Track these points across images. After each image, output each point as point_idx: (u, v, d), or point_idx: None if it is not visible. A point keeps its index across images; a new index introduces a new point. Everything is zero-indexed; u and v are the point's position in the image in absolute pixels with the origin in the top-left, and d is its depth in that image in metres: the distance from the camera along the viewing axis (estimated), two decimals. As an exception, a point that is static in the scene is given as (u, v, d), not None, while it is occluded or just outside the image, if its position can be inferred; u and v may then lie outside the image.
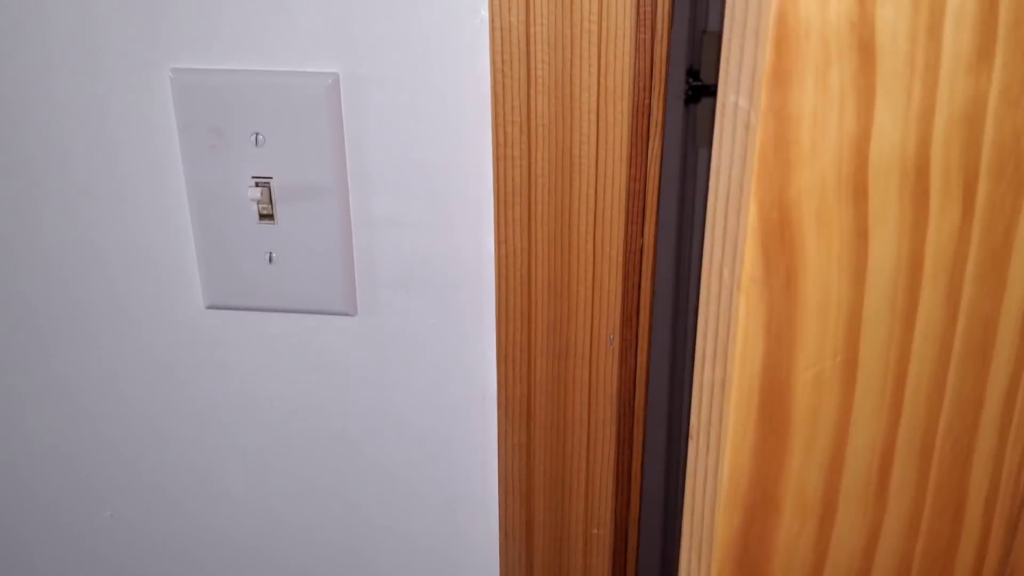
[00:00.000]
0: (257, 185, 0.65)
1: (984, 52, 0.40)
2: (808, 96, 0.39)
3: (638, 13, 0.59)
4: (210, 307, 0.70)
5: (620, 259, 0.65)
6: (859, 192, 0.41)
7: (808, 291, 0.43)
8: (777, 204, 0.40)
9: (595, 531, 0.75)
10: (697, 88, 1.38)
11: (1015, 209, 0.43)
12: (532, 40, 0.59)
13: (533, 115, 0.61)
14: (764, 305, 0.43)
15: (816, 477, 0.48)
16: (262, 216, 0.66)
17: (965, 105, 0.41)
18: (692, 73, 1.37)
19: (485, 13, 0.60)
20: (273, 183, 0.65)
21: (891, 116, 0.40)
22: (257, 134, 0.64)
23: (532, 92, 0.61)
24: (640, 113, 0.63)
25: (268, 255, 0.68)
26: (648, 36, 0.60)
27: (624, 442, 0.73)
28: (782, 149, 0.39)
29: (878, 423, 0.47)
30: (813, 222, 0.41)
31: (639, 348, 0.71)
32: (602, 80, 0.60)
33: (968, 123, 0.41)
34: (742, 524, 0.47)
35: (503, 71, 0.60)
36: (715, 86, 0.41)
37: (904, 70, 0.40)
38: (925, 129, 0.41)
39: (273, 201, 0.66)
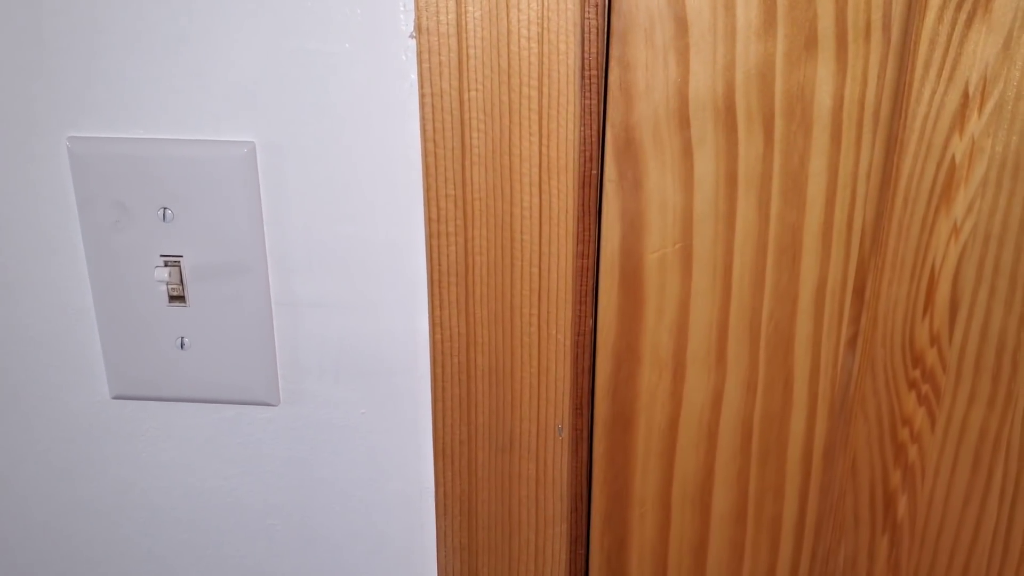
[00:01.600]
0: (166, 265, 0.59)
1: (768, 25, 0.54)
2: (640, 50, 0.55)
3: (583, 76, 0.54)
4: (117, 397, 0.63)
5: (568, 342, 0.59)
6: (683, 122, 0.56)
7: (651, 192, 0.58)
8: (624, 126, 0.56)
9: (547, 636, 0.68)
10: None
11: (806, 144, 0.56)
12: (466, 107, 0.54)
13: (469, 188, 0.56)
14: (619, 199, 0.58)
15: (667, 339, 0.62)
16: (172, 298, 0.60)
17: (758, 63, 0.55)
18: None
19: (414, 77, 0.54)
20: (184, 262, 0.59)
21: (702, 67, 0.55)
22: (165, 209, 0.58)
23: (467, 163, 0.55)
24: (588, 185, 0.57)
25: (180, 340, 0.61)
26: (594, 101, 0.55)
27: (577, 541, 0.67)
28: (624, 87, 0.55)
29: (713, 302, 0.61)
30: (650, 141, 0.57)
31: (594, 437, 0.65)
32: (544, 150, 0.55)
33: (761, 76, 0.55)
34: (613, 369, 0.63)
35: (435, 140, 0.55)
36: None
37: (709, 35, 0.54)
38: (729, 79, 0.55)
39: (184, 282, 0.59)
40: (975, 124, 0.56)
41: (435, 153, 0.55)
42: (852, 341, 0.61)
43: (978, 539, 0.67)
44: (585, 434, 0.64)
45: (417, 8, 0.52)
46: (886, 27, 0.54)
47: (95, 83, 0.56)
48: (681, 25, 0.54)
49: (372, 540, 0.67)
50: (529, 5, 0.52)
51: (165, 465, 0.66)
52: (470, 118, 0.54)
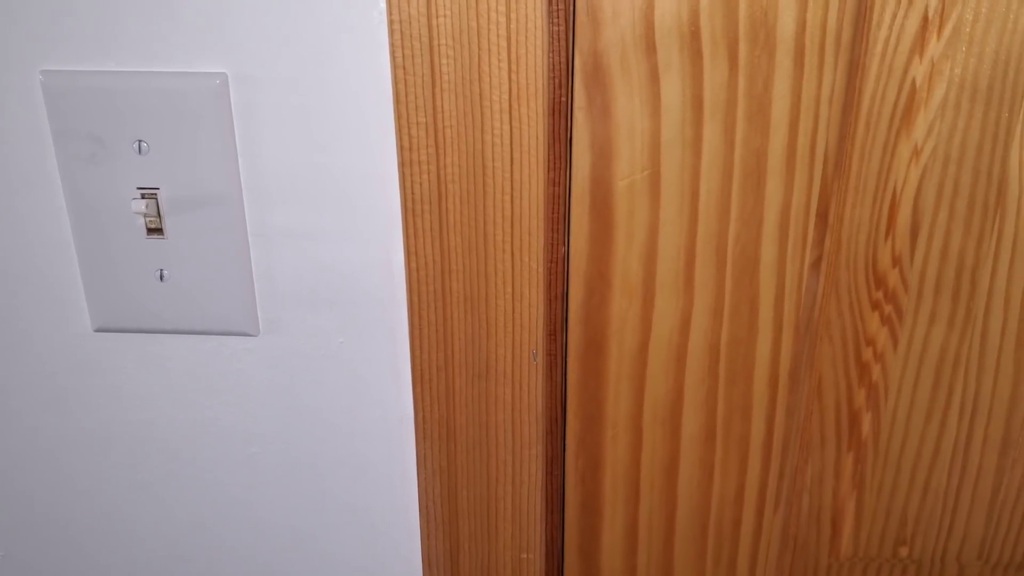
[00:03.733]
0: (143, 197, 0.60)
1: (730, -49, 0.55)
2: (606, -23, 0.55)
3: (550, 2, 0.55)
4: (99, 330, 0.64)
5: (541, 269, 0.61)
6: (649, 47, 0.57)
7: (619, 119, 0.59)
8: (592, 53, 0.57)
9: (525, 556, 0.70)
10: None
11: (770, 68, 0.58)
12: (435, 33, 0.55)
13: (439, 115, 0.57)
14: (588, 127, 0.59)
15: (636, 265, 0.63)
16: (150, 230, 0.61)
17: (722, -14, 0.56)
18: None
19: (384, 5, 0.55)
20: (160, 194, 0.60)
21: (667, -7, 0.56)
22: (140, 141, 0.58)
23: (437, 90, 0.56)
24: (557, 112, 0.58)
25: (159, 272, 0.62)
26: (563, 28, 0.56)
27: (552, 462, 0.69)
28: (592, 13, 0.56)
29: (680, 228, 0.62)
30: (618, 68, 0.57)
31: (568, 363, 0.66)
32: (513, 76, 0.56)
33: (725, 1, 0.56)
34: (585, 296, 0.64)
35: (404, 67, 0.55)
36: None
37: (671, -40, 0.55)
38: (694, 4, 0.56)
39: (161, 214, 0.60)
40: (934, 47, 0.57)
41: (405, 80, 0.56)
42: (816, 264, 0.63)
43: (939, 454, 0.69)
44: (559, 359, 0.66)
45: (385, -65, 0.53)
46: (848, -48, 0.55)
47: (67, 16, 0.56)
48: None
49: (353, 466, 0.68)
50: (496, -69, 0.52)
51: (148, 396, 0.67)
52: (439, 44, 0.55)
